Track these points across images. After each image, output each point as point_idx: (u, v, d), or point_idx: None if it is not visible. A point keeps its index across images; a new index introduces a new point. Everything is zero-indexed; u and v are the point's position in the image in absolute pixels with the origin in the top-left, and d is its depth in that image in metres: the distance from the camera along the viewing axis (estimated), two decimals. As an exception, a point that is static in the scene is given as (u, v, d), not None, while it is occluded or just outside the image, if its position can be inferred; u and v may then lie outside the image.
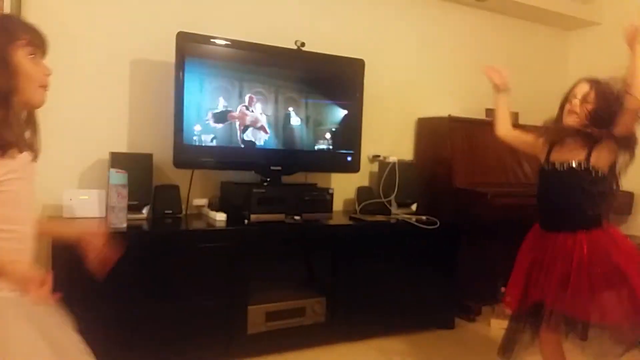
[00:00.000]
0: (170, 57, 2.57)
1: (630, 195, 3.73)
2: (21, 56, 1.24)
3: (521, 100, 3.98)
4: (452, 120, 3.41)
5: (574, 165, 1.98)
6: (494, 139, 3.55)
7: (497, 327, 3.19)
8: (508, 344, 2.17)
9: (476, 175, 3.36)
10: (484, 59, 3.87)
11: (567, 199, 2.02)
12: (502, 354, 2.19)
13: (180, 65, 2.55)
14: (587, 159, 1.97)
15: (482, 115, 3.68)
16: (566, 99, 2.10)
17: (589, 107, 1.98)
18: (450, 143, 3.37)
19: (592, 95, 2.00)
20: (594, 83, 2.04)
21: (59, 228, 1.67)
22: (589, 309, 1.92)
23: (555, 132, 2.11)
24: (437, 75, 3.71)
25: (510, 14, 3.92)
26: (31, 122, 1.32)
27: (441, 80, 3.73)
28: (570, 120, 2.03)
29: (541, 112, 4.05)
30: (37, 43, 1.28)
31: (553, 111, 4.39)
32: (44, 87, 1.29)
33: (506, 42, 3.99)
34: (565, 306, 1.93)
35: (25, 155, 1.25)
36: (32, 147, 1.29)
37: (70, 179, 2.65)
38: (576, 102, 2.02)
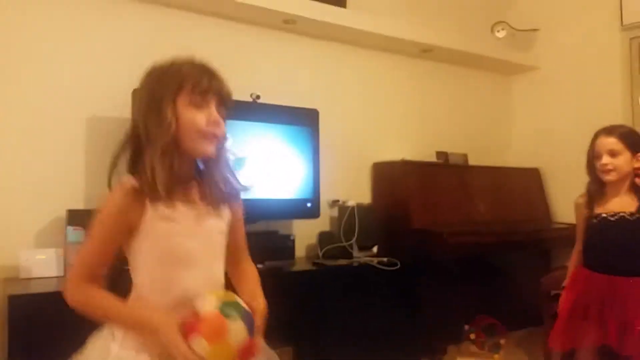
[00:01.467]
0: (127, 112, 2.61)
1: None
2: (182, 104, 1.17)
3: (469, 143, 4.19)
4: (406, 164, 3.54)
5: (627, 216, 2.00)
6: (446, 180, 3.72)
7: (464, 365, 3.24)
8: None
9: (433, 216, 3.47)
10: (432, 106, 4.09)
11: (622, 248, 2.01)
12: None
13: (138, 121, 2.59)
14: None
15: (433, 158, 3.83)
16: (592, 157, 2.08)
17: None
18: (405, 185, 3.49)
19: (620, 146, 2.00)
20: (615, 133, 2.04)
21: None
22: None
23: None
24: (388, 122, 3.86)
25: (454, 62, 4.16)
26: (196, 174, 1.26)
27: (393, 127, 3.88)
28: (610, 177, 2.02)
29: (489, 154, 4.28)
30: (207, 88, 1.19)
31: (500, 152, 4.66)
32: (207, 137, 1.20)
33: (452, 88, 4.21)
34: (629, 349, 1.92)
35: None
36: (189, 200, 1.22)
37: (26, 238, 2.59)
38: (606, 158, 2.02)
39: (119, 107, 2.67)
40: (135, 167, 1.22)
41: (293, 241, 2.84)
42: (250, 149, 2.91)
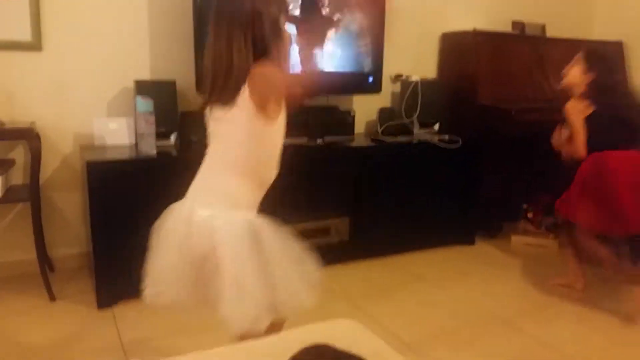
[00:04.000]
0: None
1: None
2: (284, 24, 1.49)
3: (548, 11, 3.83)
4: (477, 34, 3.30)
5: None
6: (520, 53, 3.48)
7: (518, 242, 3.27)
8: None
9: (501, 91, 3.31)
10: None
11: None
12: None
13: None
14: None
15: (508, 28, 3.56)
16: None
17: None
18: (476, 58, 3.29)
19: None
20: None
21: None
22: None
23: None
24: (462, -13, 3.56)
25: None
26: None
27: (466, -7, 3.58)
28: None
29: (569, 24, 3.91)
30: (288, 14, 1.58)
31: (582, 22, 4.23)
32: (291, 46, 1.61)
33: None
34: None
35: None
36: None
37: (99, 107, 2.71)
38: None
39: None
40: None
41: (353, 117, 2.82)
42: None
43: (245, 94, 1.36)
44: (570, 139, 2.44)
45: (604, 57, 2.42)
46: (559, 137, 2.54)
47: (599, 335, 2.24)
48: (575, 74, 2.43)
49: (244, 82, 1.36)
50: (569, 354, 2.09)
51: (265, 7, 1.41)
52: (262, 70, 1.37)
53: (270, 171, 1.50)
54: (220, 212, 1.41)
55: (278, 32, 1.45)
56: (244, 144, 1.41)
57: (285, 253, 1.41)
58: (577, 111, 2.38)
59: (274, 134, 1.45)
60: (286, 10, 1.56)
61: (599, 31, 4.00)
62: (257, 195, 1.50)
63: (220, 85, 1.39)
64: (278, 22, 1.45)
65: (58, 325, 2.18)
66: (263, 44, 1.40)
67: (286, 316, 1.49)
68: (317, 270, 1.46)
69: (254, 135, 1.40)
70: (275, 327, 1.46)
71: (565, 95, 2.47)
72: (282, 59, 1.46)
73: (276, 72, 1.42)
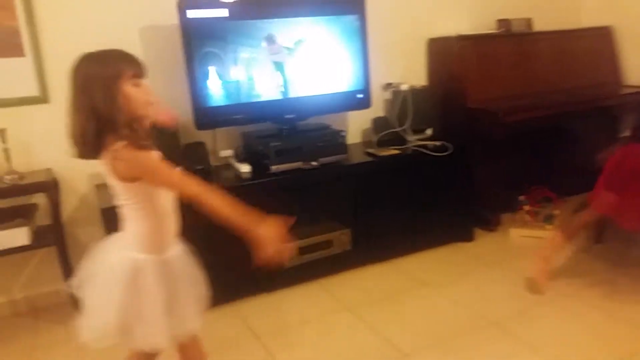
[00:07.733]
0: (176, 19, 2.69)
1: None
2: (128, 87, 1.37)
3: (534, 5, 3.88)
4: (462, 39, 3.40)
5: None
6: (506, 52, 3.56)
7: (517, 235, 3.40)
8: None
9: (489, 92, 3.41)
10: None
11: None
12: None
13: (186, 30, 2.66)
14: None
15: (493, 28, 3.63)
16: None
17: None
18: (462, 62, 3.39)
19: None
20: None
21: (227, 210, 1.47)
22: None
23: None
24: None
25: None
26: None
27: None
28: None
29: (557, 14, 3.96)
30: (138, 72, 1.41)
31: (569, 11, 4.26)
32: (150, 104, 1.43)
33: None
34: None
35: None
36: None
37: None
38: None
39: (168, 14, 2.73)
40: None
41: (344, 136, 2.96)
42: (295, 45, 2.94)
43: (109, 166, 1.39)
44: None
45: None
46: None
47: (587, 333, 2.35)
48: None
49: (98, 149, 1.37)
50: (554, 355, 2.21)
51: (99, 69, 1.34)
52: (125, 157, 1.35)
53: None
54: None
55: (112, 99, 1.33)
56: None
57: (183, 283, 1.58)
58: None
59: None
60: (136, 71, 1.39)
61: (586, 18, 4.04)
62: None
63: (80, 143, 1.38)
64: (111, 88, 1.33)
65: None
66: (102, 114, 1.32)
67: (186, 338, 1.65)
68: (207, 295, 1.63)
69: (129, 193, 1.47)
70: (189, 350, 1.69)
71: None
72: (130, 131, 1.36)
73: (141, 161, 1.38)
